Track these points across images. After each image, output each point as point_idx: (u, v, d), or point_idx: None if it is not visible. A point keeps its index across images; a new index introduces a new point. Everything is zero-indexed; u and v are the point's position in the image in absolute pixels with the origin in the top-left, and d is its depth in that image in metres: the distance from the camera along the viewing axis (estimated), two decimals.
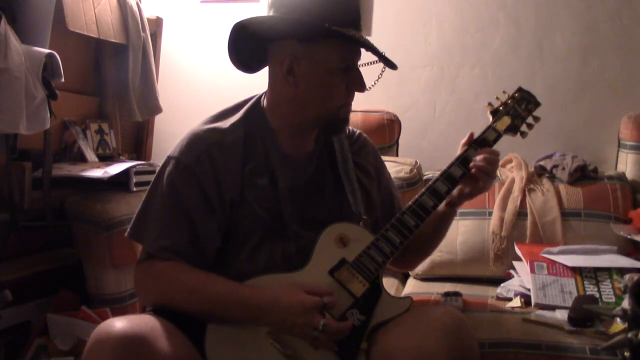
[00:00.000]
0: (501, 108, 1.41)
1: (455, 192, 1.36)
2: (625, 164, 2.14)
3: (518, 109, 1.40)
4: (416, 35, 2.45)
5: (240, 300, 1.20)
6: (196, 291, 1.22)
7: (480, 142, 1.36)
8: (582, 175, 2.04)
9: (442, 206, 1.39)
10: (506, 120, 1.39)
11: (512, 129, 1.39)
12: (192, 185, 1.26)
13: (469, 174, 1.34)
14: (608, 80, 2.30)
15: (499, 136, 1.38)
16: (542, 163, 2.13)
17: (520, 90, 1.43)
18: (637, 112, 2.16)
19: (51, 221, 1.93)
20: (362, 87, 1.31)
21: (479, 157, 1.32)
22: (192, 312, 1.22)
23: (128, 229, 1.31)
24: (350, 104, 1.34)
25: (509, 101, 1.41)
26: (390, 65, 1.31)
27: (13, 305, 1.77)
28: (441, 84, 2.45)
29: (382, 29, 2.46)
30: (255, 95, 1.40)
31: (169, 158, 1.30)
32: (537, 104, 1.42)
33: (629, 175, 2.10)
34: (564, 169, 2.05)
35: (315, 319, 1.16)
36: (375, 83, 1.34)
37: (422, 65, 2.45)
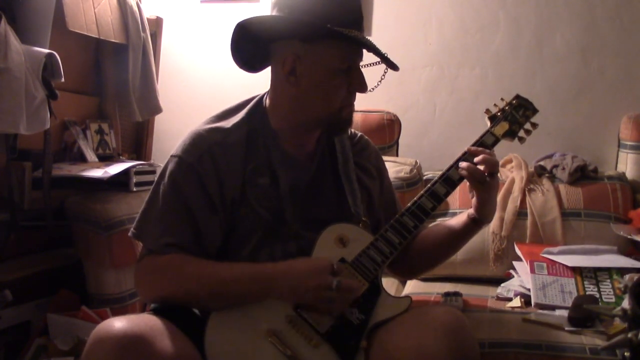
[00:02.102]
0: (499, 114, 1.42)
1: (472, 208, 1.37)
2: (625, 164, 2.14)
3: (516, 115, 1.41)
4: (416, 35, 2.45)
5: (253, 274, 1.21)
6: (207, 272, 1.22)
7: (478, 146, 1.37)
8: (582, 175, 2.04)
9: (467, 221, 1.40)
10: (504, 126, 1.39)
11: (510, 134, 1.40)
12: (194, 183, 1.27)
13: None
14: (608, 80, 2.30)
15: (497, 140, 1.38)
16: (542, 163, 2.13)
17: (517, 97, 1.43)
18: (637, 112, 2.16)
19: (51, 221, 1.93)
20: (363, 87, 1.31)
21: (464, 164, 1.31)
22: (201, 296, 1.22)
23: (131, 229, 1.31)
24: (352, 105, 1.34)
25: (507, 107, 1.42)
26: (392, 66, 1.31)
27: (13, 305, 1.77)
28: (441, 84, 2.45)
29: (382, 29, 2.46)
30: (257, 95, 1.40)
31: (172, 157, 1.31)
32: (535, 111, 1.42)
33: (629, 175, 2.10)
34: (564, 169, 2.05)
35: (327, 279, 1.18)
36: (378, 84, 1.34)
37: (422, 65, 2.45)
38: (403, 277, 1.84)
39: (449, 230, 1.45)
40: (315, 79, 1.28)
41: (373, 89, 1.33)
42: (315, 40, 1.25)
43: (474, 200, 1.36)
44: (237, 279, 1.21)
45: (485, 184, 1.31)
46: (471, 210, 1.38)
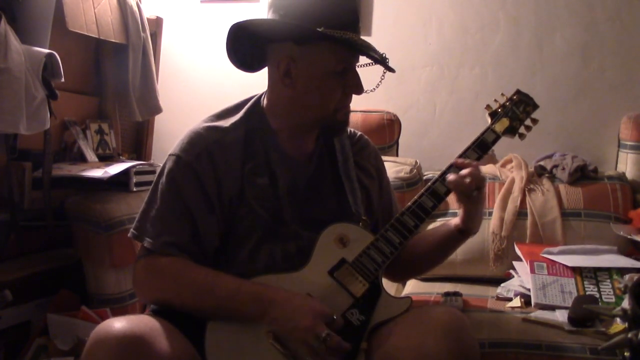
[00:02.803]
0: (499, 110, 1.41)
1: (458, 218, 1.38)
2: (625, 164, 2.14)
3: (516, 111, 1.40)
4: (416, 35, 2.45)
5: (252, 294, 1.20)
6: (206, 285, 1.21)
7: (479, 144, 1.37)
8: (582, 175, 2.04)
9: (454, 231, 1.40)
10: (505, 122, 1.39)
11: (511, 131, 1.40)
12: (192, 181, 1.27)
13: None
14: (608, 80, 2.30)
15: (497, 137, 1.38)
16: (542, 163, 2.12)
17: (518, 92, 1.43)
18: (637, 112, 2.16)
19: (51, 221, 1.93)
20: (359, 89, 1.30)
21: (451, 177, 1.30)
22: (198, 307, 1.22)
23: (131, 229, 1.31)
24: (348, 107, 1.33)
25: (507, 103, 1.42)
26: (388, 68, 1.31)
27: (13, 305, 1.77)
28: (441, 84, 2.45)
29: (382, 29, 2.46)
30: (255, 95, 1.40)
31: (170, 155, 1.31)
32: (535, 107, 1.42)
33: (629, 175, 2.10)
34: (564, 169, 2.05)
35: (320, 327, 1.15)
36: (378, 85, 1.34)
37: (422, 65, 2.45)
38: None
39: (435, 239, 1.45)
40: (311, 81, 1.27)
41: (374, 89, 1.33)
42: (310, 42, 1.24)
43: (460, 212, 1.36)
44: (234, 297, 1.20)
45: (472, 197, 1.31)
46: (457, 221, 1.38)
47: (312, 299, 1.20)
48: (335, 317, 1.18)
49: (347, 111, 1.34)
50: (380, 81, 1.34)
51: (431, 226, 2.01)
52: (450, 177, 1.30)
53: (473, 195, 1.31)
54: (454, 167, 1.33)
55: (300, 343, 1.16)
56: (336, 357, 1.16)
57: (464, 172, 1.30)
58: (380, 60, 1.28)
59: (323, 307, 1.18)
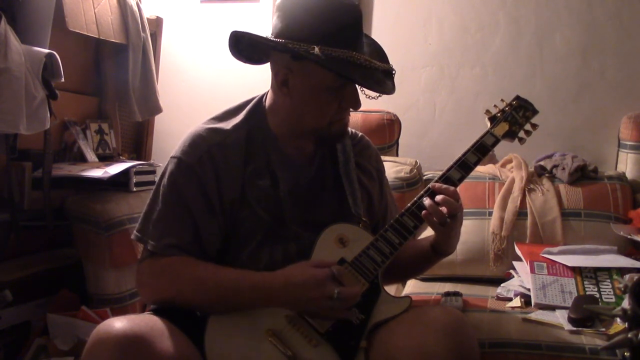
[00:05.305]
0: (499, 115, 1.42)
1: (432, 238, 1.38)
2: (625, 164, 2.14)
3: (516, 116, 1.41)
4: (416, 35, 2.45)
5: (253, 283, 1.21)
6: (207, 279, 1.22)
7: (478, 147, 1.37)
8: (582, 175, 2.04)
9: (427, 247, 1.40)
10: (504, 126, 1.40)
11: (510, 135, 1.41)
12: (193, 184, 1.27)
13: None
14: (608, 80, 2.30)
15: (497, 141, 1.39)
16: (542, 163, 2.13)
17: (517, 98, 1.44)
18: (637, 112, 2.16)
19: (51, 221, 1.93)
20: (356, 105, 1.30)
21: (427, 202, 1.28)
22: (201, 302, 1.23)
23: (134, 232, 1.31)
24: (344, 119, 1.32)
25: (507, 108, 1.43)
26: (384, 92, 1.29)
27: (13, 305, 1.77)
28: (441, 84, 2.45)
29: (382, 29, 2.46)
30: (256, 96, 1.40)
31: (171, 158, 1.31)
32: (535, 112, 1.43)
33: (629, 175, 2.10)
34: (564, 169, 2.05)
35: (328, 289, 1.18)
36: (377, 96, 1.33)
37: (422, 65, 2.45)
38: None
39: (414, 253, 1.45)
40: (307, 93, 1.27)
41: (375, 97, 1.33)
42: (307, 59, 1.22)
43: (434, 235, 1.36)
44: (236, 288, 1.21)
45: (445, 225, 1.29)
46: (433, 240, 1.38)
47: (308, 266, 1.22)
48: (334, 271, 1.20)
49: (344, 123, 1.33)
50: (379, 95, 1.33)
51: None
52: (426, 202, 1.29)
53: (446, 223, 1.29)
54: (431, 192, 1.30)
55: (320, 310, 1.19)
56: (355, 302, 1.21)
57: (439, 198, 1.28)
58: (374, 85, 1.25)
59: (320, 271, 1.20)
